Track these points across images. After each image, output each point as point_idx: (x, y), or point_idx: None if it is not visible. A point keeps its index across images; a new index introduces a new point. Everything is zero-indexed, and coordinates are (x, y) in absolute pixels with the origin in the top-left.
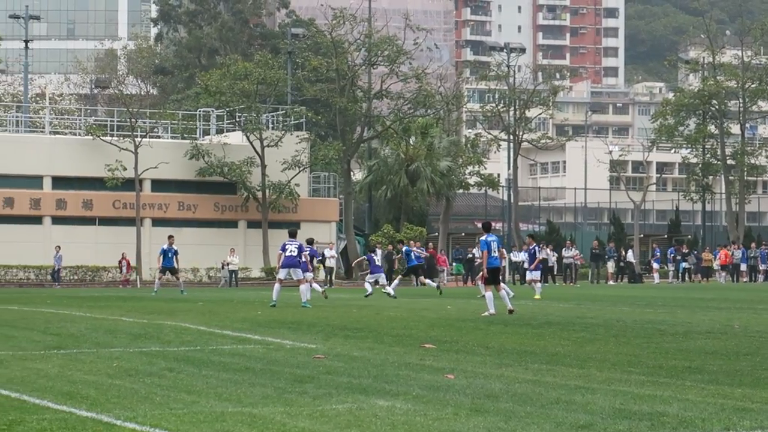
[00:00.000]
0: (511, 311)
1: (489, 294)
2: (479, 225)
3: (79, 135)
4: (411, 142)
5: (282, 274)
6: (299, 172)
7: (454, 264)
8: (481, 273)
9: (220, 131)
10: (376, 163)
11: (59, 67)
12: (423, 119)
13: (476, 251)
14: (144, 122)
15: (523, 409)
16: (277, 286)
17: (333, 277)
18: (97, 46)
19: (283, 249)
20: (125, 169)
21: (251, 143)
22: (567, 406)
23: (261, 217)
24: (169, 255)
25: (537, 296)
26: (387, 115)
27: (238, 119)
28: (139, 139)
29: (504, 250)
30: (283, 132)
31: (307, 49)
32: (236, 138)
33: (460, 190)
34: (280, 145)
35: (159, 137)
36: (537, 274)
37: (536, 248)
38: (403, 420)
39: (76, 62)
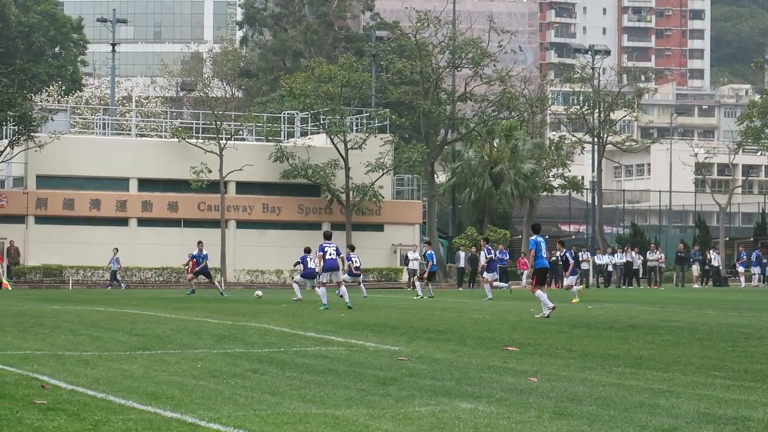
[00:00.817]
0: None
1: (540, 293)
2: (564, 228)
3: (165, 137)
4: (495, 144)
5: (324, 278)
6: (383, 174)
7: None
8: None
9: (304, 134)
10: (459, 165)
11: (146, 70)
12: (507, 122)
13: (560, 254)
14: (229, 125)
15: (606, 413)
16: (322, 289)
17: (415, 280)
18: (182, 49)
19: (323, 251)
20: (210, 171)
21: (335, 145)
22: (651, 410)
23: (345, 220)
24: (200, 260)
25: (575, 300)
26: (471, 118)
27: (322, 122)
28: (224, 141)
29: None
30: (367, 134)
31: (392, 52)
32: (320, 140)
33: (544, 193)
34: (364, 148)
35: (244, 140)
36: (573, 279)
37: (568, 254)
38: (485, 423)
39: (162, 65)
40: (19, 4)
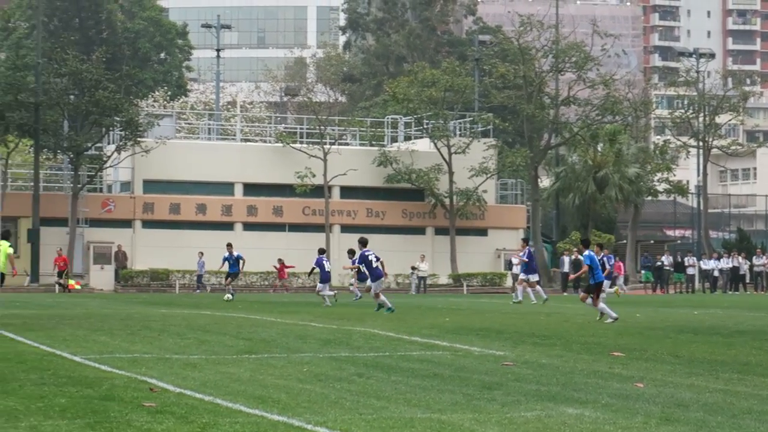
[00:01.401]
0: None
1: (590, 301)
2: (669, 233)
3: (270, 142)
4: (599, 148)
5: (376, 287)
6: (486, 178)
7: (642, 272)
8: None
9: (407, 138)
10: (563, 169)
11: (250, 76)
12: (611, 126)
13: (665, 259)
14: (333, 129)
15: (714, 419)
16: (383, 298)
17: (517, 284)
18: (286, 54)
19: (366, 261)
20: (314, 176)
21: (439, 150)
22: (759, 416)
23: (449, 224)
24: (231, 262)
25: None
26: (574, 122)
27: (425, 126)
28: (328, 146)
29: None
30: (470, 139)
31: (494, 56)
32: (424, 145)
33: (649, 197)
34: (467, 152)
35: (347, 144)
36: (606, 284)
37: (605, 258)
38: (591, 428)
39: (266, 70)
40: (125, 11)
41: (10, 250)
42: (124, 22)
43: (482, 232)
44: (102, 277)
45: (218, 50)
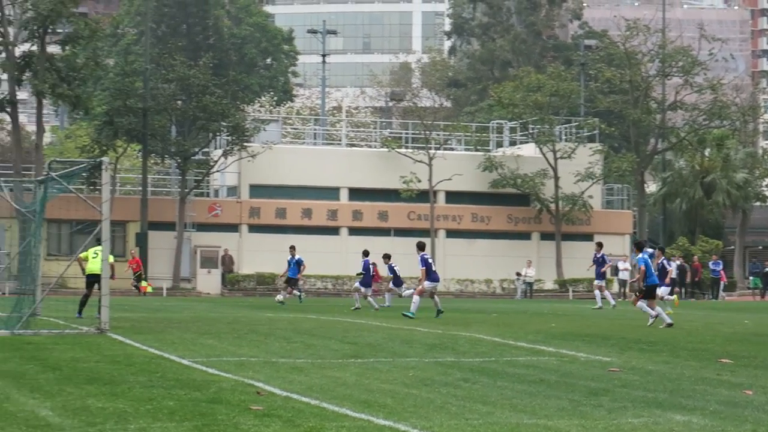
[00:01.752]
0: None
1: (641, 304)
2: None
3: (375, 147)
4: (706, 153)
5: (428, 286)
6: (592, 184)
7: (750, 278)
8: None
9: (513, 143)
10: (670, 175)
11: (355, 81)
12: (718, 131)
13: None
14: (438, 134)
15: None
16: (417, 298)
17: (627, 290)
18: (391, 59)
19: (427, 264)
20: (419, 180)
21: (544, 155)
22: None
23: (554, 229)
24: (291, 265)
25: (669, 311)
26: (681, 127)
27: (530, 131)
28: (433, 151)
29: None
30: (576, 144)
31: (600, 61)
32: (529, 150)
33: (758, 203)
34: (573, 157)
35: (452, 149)
36: (666, 290)
37: (665, 262)
38: None
39: (371, 75)
40: (232, 17)
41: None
42: (230, 28)
43: (588, 237)
44: (209, 281)
45: (324, 55)
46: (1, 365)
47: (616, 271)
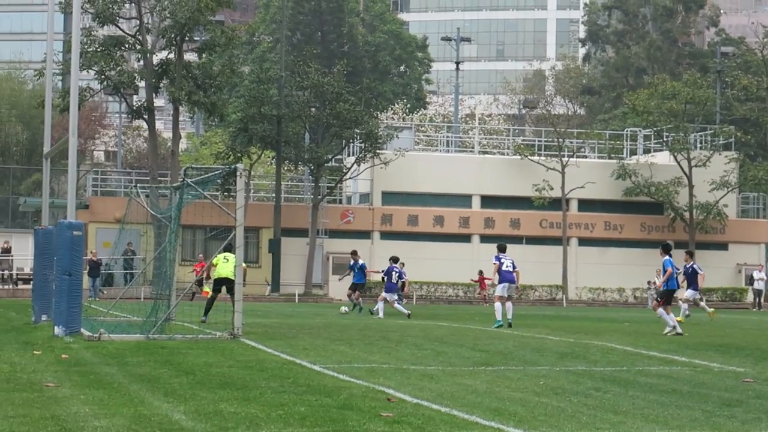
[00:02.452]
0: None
1: (661, 311)
2: None
3: (507, 155)
4: None
5: (501, 290)
6: (727, 192)
7: None
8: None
9: (647, 151)
10: None
11: (488, 88)
12: None
13: (687, 265)
14: (571, 142)
15: None
16: (497, 304)
17: (762, 300)
18: (525, 66)
19: (500, 262)
20: (552, 188)
21: (678, 163)
22: None
23: (688, 238)
24: (355, 271)
25: (681, 318)
26: None
27: (665, 139)
28: (566, 158)
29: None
30: (711, 152)
31: (737, 68)
32: (663, 158)
33: None
34: (708, 165)
35: (585, 157)
36: (693, 294)
37: (695, 266)
38: None
39: (504, 83)
40: (366, 25)
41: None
42: (365, 35)
43: (722, 246)
44: (341, 288)
45: (457, 63)
46: (135, 369)
47: (751, 280)
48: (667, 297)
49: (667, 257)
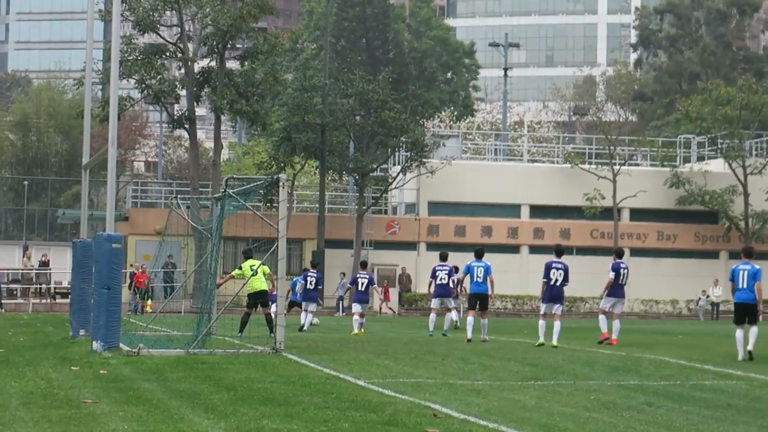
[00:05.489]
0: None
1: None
2: None
3: (557, 163)
4: None
5: (435, 303)
6: None
7: None
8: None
9: (701, 158)
10: None
11: (537, 95)
12: None
13: None
14: (623, 150)
15: None
16: (432, 315)
17: None
18: (575, 72)
19: (434, 276)
20: (603, 197)
21: (733, 170)
22: None
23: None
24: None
25: None
26: None
27: (719, 146)
28: (617, 167)
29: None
30: (767, 159)
31: None
32: (717, 165)
33: None
34: (763, 173)
35: (638, 165)
36: None
37: None
38: None
39: (554, 89)
40: (412, 30)
41: (267, 269)
42: (411, 41)
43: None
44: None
45: (506, 69)
46: (176, 385)
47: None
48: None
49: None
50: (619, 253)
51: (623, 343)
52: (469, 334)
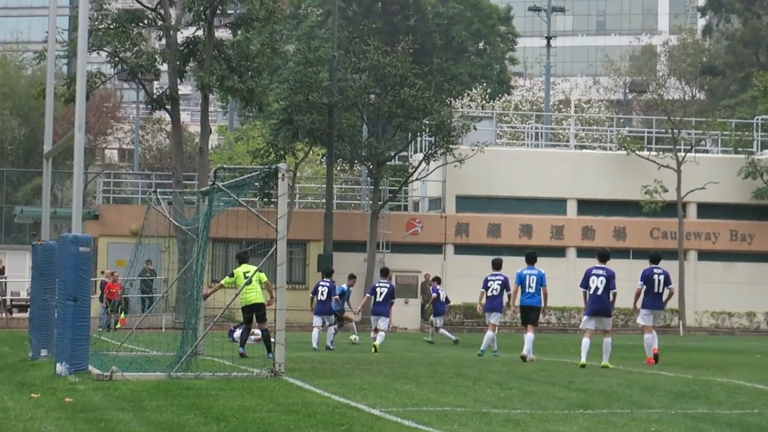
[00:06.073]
0: None
1: None
2: None
3: (610, 149)
4: None
5: (494, 318)
6: None
7: None
8: None
9: None
10: None
11: (587, 69)
12: None
13: None
14: (689, 133)
15: None
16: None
17: None
18: (632, 42)
19: (486, 287)
20: (666, 190)
21: None
22: None
23: None
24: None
25: None
26: None
27: None
28: (682, 153)
29: None
30: None
31: None
32: None
33: None
34: None
35: (706, 151)
36: None
37: None
38: None
39: (606, 62)
40: None
41: (264, 276)
42: (435, 6)
43: None
44: (406, 313)
45: (548, 38)
46: (155, 415)
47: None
48: None
49: None
50: (654, 258)
51: (690, 364)
52: (526, 351)
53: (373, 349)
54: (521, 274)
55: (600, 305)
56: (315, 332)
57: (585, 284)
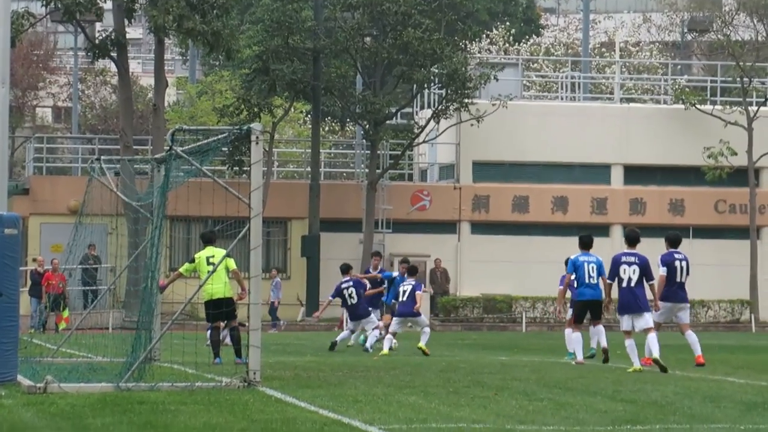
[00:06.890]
0: None
1: None
2: None
3: (665, 103)
4: None
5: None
6: None
7: None
8: None
9: None
10: None
11: (635, 3)
12: None
13: None
14: (762, 83)
15: None
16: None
17: None
18: None
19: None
20: (734, 153)
21: None
22: None
23: None
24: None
25: None
26: None
27: None
28: (754, 108)
29: None
30: None
31: None
32: None
33: None
34: None
35: None
36: None
37: None
38: None
39: None
40: None
41: (232, 263)
42: None
43: None
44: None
45: None
46: None
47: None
48: None
49: None
50: (672, 240)
51: (764, 369)
52: (580, 357)
53: (422, 353)
54: (576, 261)
55: (632, 299)
56: (345, 333)
57: (613, 275)
